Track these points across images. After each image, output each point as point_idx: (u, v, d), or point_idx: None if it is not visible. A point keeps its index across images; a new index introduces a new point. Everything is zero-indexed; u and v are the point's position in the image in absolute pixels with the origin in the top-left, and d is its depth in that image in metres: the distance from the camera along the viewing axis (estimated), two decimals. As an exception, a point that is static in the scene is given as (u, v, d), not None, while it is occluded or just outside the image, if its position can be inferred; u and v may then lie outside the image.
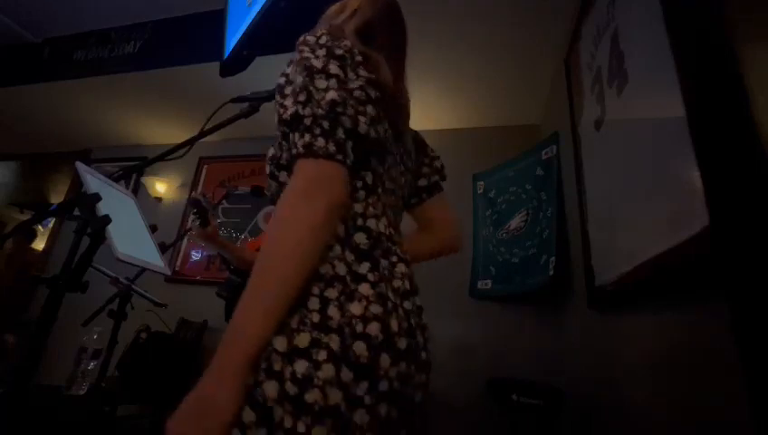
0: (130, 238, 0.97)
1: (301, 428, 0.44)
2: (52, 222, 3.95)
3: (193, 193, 1.38)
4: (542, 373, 1.99)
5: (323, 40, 0.58)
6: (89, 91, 2.92)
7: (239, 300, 0.48)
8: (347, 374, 0.47)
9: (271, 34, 1.73)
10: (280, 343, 0.48)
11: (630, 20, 1.15)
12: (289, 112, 0.54)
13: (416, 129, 0.87)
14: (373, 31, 0.70)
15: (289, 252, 0.48)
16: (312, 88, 0.54)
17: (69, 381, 1.61)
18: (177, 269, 3.07)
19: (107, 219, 0.75)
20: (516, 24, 2.00)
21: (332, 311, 0.49)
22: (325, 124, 0.52)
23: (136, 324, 2.36)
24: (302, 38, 0.60)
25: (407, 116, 0.75)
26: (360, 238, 0.56)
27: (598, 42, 1.42)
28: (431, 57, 2.25)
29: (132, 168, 0.98)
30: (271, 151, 0.64)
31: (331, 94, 0.53)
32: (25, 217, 5.68)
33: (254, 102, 0.90)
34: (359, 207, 0.59)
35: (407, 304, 0.57)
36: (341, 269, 0.53)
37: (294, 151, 0.52)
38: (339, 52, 0.57)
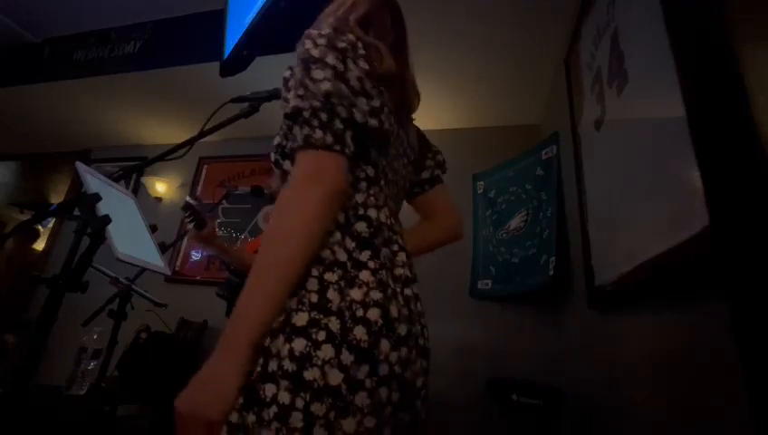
0: (130, 238, 0.97)
1: (299, 403, 0.45)
2: (52, 222, 3.95)
3: (186, 198, 1.38)
4: (542, 373, 1.99)
5: (325, 32, 0.59)
6: (89, 91, 2.92)
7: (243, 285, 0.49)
8: (347, 357, 0.47)
9: (271, 34, 1.73)
10: (278, 323, 0.49)
11: (630, 20, 1.15)
12: (290, 106, 0.55)
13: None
14: (373, 22, 0.70)
15: (290, 238, 0.50)
16: (307, 80, 0.54)
17: (69, 381, 1.61)
18: (177, 269, 3.07)
19: (107, 219, 0.75)
20: (516, 24, 1.99)
21: (332, 294, 0.51)
22: (323, 116, 0.53)
23: (136, 324, 2.36)
24: (306, 32, 0.61)
25: (410, 108, 0.76)
26: (361, 227, 0.57)
27: (598, 42, 1.42)
28: (431, 57, 2.25)
29: (132, 168, 0.98)
30: (277, 139, 0.65)
31: (326, 85, 0.54)
32: (25, 217, 5.68)
33: (254, 102, 0.90)
34: (360, 198, 0.60)
35: (407, 291, 0.58)
36: (342, 255, 0.54)
37: (294, 144, 0.54)
38: (340, 44, 0.58)
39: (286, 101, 0.57)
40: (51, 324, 0.69)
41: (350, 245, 0.55)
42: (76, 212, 0.79)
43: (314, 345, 0.47)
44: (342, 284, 0.52)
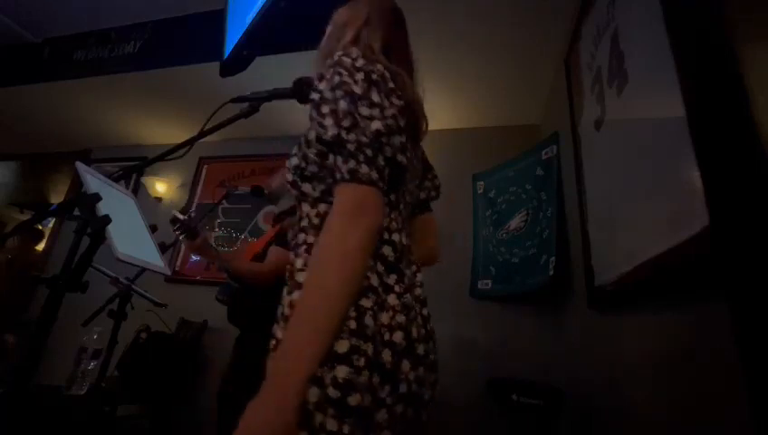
0: (130, 238, 0.97)
1: (346, 429, 0.47)
2: (52, 222, 3.95)
3: (173, 211, 1.38)
4: (542, 373, 1.99)
5: (360, 63, 0.61)
6: (89, 91, 2.92)
7: (290, 320, 0.50)
8: (375, 379, 0.51)
9: (271, 34, 1.73)
10: None
11: (630, 20, 1.15)
12: (330, 134, 0.56)
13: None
14: (393, 46, 0.74)
15: (340, 272, 0.50)
16: (357, 115, 0.56)
17: (69, 381, 1.61)
18: (177, 269, 3.07)
19: (107, 219, 0.75)
20: (516, 24, 1.99)
21: (368, 320, 0.53)
22: (368, 152, 0.55)
23: (136, 324, 2.36)
24: (337, 57, 0.62)
25: (421, 133, 0.77)
26: (387, 251, 0.60)
27: (598, 42, 1.42)
28: (431, 57, 2.24)
29: (132, 168, 0.97)
30: (294, 161, 0.65)
31: (377, 124, 0.57)
32: (25, 217, 5.68)
33: (254, 102, 0.90)
34: (384, 222, 0.62)
35: (424, 311, 0.63)
36: (374, 280, 0.57)
37: (339, 176, 0.55)
38: (375, 77, 0.60)
39: (322, 127, 0.58)
40: (51, 324, 0.69)
41: (380, 268, 0.58)
42: (76, 212, 0.79)
43: (356, 372, 0.49)
44: (376, 308, 0.54)
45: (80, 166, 0.87)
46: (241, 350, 1.53)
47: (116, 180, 1.01)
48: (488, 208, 2.56)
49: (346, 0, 0.81)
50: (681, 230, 0.79)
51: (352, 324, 0.52)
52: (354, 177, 0.54)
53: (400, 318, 0.55)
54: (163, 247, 1.30)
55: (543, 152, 2.25)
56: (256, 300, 1.51)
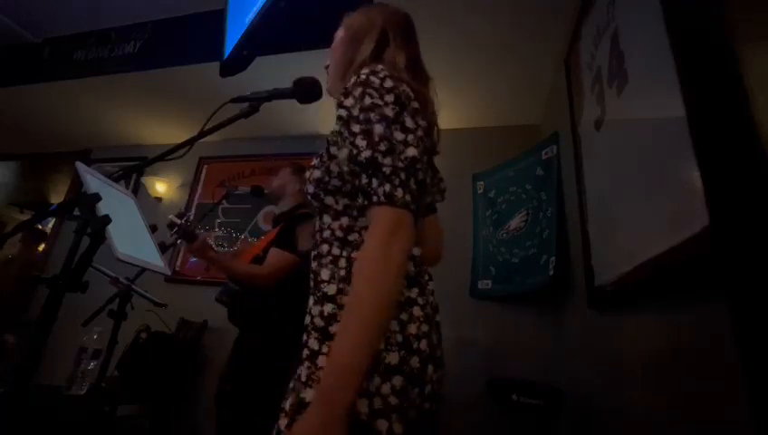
0: (130, 238, 0.97)
1: (401, 430, 0.53)
2: (52, 222, 3.95)
3: (170, 216, 1.39)
4: (542, 373, 1.99)
5: (388, 84, 0.63)
6: (89, 91, 2.92)
7: (336, 337, 0.54)
8: (408, 383, 0.56)
9: (271, 34, 1.73)
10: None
11: (630, 20, 1.15)
12: (364, 156, 0.59)
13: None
14: (415, 63, 0.79)
15: (382, 293, 0.53)
16: (393, 140, 0.59)
17: (69, 381, 1.61)
18: (177, 269, 3.07)
19: (107, 219, 0.75)
20: (516, 24, 1.99)
21: (406, 332, 0.58)
22: (403, 175, 0.57)
23: (136, 324, 2.36)
24: (364, 76, 0.63)
25: (436, 148, 0.81)
26: (409, 266, 0.63)
27: (598, 42, 1.42)
28: (431, 57, 2.24)
29: (132, 168, 0.97)
30: (317, 173, 0.68)
31: (412, 151, 0.59)
32: (25, 217, 5.68)
33: (254, 102, 0.90)
34: None
35: (437, 318, 0.68)
36: (401, 295, 0.60)
37: (375, 199, 0.57)
38: (403, 98, 0.63)
39: (354, 146, 0.60)
40: (51, 324, 0.69)
41: (404, 283, 0.61)
42: (76, 212, 0.79)
43: (408, 380, 0.55)
44: (405, 320, 0.59)
45: (80, 166, 0.87)
46: (240, 350, 1.53)
47: (116, 180, 1.01)
48: (488, 208, 2.56)
49: (347, 2, 0.81)
50: (681, 230, 0.79)
51: (399, 338, 0.57)
52: (391, 200, 0.56)
53: (425, 328, 0.60)
54: (163, 247, 1.30)
55: (543, 152, 2.25)
56: (256, 301, 1.51)
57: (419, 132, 0.62)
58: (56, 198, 5.04)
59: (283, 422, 0.57)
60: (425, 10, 1.94)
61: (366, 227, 0.60)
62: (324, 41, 0.92)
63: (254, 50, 1.86)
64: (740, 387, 0.60)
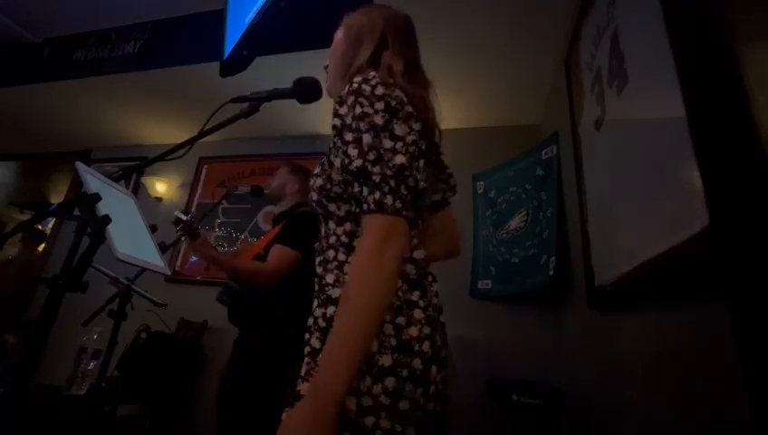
0: (130, 238, 0.97)
1: (397, 427, 0.54)
2: (51, 222, 3.95)
3: (175, 212, 1.40)
4: (542, 373, 1.99)
5: (379, 91, 0.63)
6: (89, 91, 2.92)
7: (329, 338, 0.56)
8: (409, 385, 0.57)
9: (271, 34, 1.73)
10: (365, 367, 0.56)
11: (630, 20, 1.15)
12: (355, 165, 0.60)
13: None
14: (410, 66, 0.77)
15: (373, 300, 0.55)
16: (381, 149, 0.59)
17: (69, 381, 1.61)
18: (177, 269, 3.07)
19: (107, 219, 0.75)
20: (516, 24, 1.99)
21: (403, 335, 0.59)
22: (392, 183, 0.58)
23: (136, 324, 2.36)
24: (356, 85, 0.63)
25: (437, 149, 0.81)
26: (410, 269, 0.64)
27: (598, 42, 1.42)
28: (431, 57, 2.24)
29: (132, 168, 0.97)
30: (319, 182, 0.69)
31: (400, 158, 0.60)
32: (25, 217, 5.68)
33: (254, 102, 0.90)
34: None
35: (441, 319, 0.69)
36: (400, 299, 0.61)
37: (366, 207, 0.59)
38: (393, 104, 0.62)
39: (346, 156, 0.61)
40: (51, 324, 0.69)
41: (404, 287, 0.62)
42: (76, 212, 0.78)
43: (402, 381, 0.56)
44: (404, 324, 0.59)
45: (80, 166, 0.87)
46: (240, 349, 1.53)
47: (116, 180, 1.01)
48: (488, 208, 2.56)
49: (347, 2, 0.81)
50: (681, 230, 0.79)
51: (393, 341, 0.57)
52: (381, 208, 0.58)
53: (427, 330, 0.60)
54: (163, 247, 1.30)
55: (543, 152, 2.25)
56: (256, 301, 1.51)
57: (410, 138, 0.62)
58: (56, 198, 5.04)
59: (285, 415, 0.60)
60: (425, 10, 1.95)
61: None
62: (324, 41, 0.92)
63: (254, 50, 1.86)
64: (740, 387, 0.60)
